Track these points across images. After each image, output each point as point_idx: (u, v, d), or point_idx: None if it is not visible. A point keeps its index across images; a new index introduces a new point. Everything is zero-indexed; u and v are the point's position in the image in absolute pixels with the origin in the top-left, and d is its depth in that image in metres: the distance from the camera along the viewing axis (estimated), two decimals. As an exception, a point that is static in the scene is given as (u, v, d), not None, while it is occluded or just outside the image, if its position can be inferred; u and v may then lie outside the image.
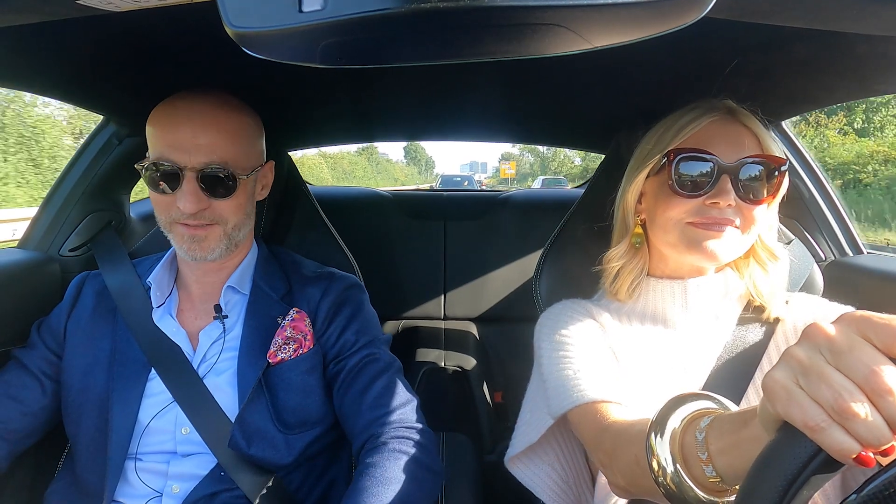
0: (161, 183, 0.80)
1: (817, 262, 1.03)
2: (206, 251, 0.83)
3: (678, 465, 0.49)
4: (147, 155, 0.82)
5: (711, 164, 0.71)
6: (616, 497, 0.74)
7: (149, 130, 0.82)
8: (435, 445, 0.88)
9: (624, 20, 0.34)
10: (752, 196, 0.71)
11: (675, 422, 0.51)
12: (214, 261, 0.86)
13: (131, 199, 1.25)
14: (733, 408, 0.51)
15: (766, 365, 0.76)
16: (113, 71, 0.85)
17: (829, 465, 0.34)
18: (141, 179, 0.89)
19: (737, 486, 0.46)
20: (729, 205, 0.70)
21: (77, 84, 0.90)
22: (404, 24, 0.33)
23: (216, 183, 0.80)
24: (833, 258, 1.10)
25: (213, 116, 0.81)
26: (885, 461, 0.33)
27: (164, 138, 0.79)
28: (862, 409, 0.32)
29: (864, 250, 1.10)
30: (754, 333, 0.78)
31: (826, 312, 0.78)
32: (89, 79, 0.88)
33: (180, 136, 0.78)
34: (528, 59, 0.39)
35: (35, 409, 0.86)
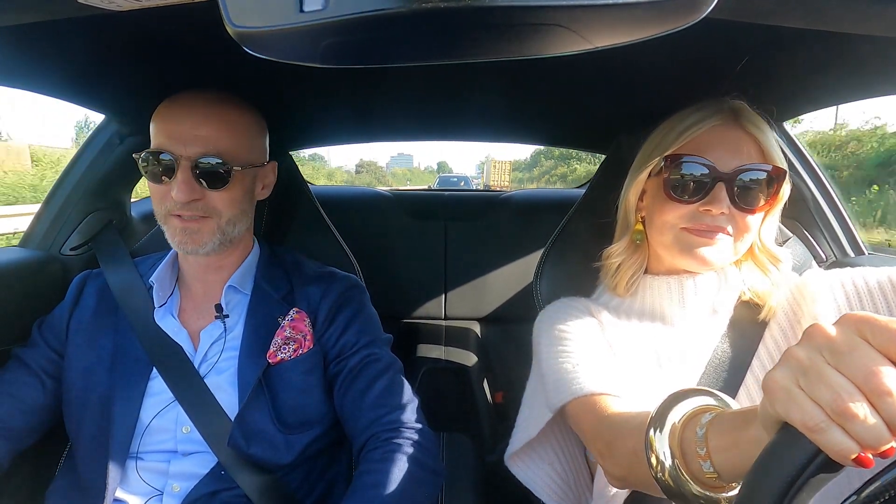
0: (157, 172, 0.81)
1: (818, 263, 1.03)
2: (198, 244, 0.83)
3: (676, 461, 0.49)
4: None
5: (707, 170, 0.71)
6: (614, 495, 0.74)
7: (151, 127, 0.83)
8: (435, 446, 0.88)
9: (625, 20, 0.34)
10: (747, 204, 0.71)
11: (674, 417, 0.51)
12: (208, 255, 0.85)
13: (132, 199, 1.25)
14: (734, 405, 0.52)
15: (762, 354, 0.76)
16: (114, 70, 0.85)
17: (829, 466, 0.33)
18: (142, 179, 0.89)
19: (733, 483, 0.46)
20: (722, 212, 0.70)
21: (79, 83, 0.90)
22: (405, 24, 0.33)
23: (210, 173, 0.80)
24: (834, 259, 1.10)
25: (214, 110, 0.82)
26: (884, 462, 0.33)
27: (164, 130, 0.80)
28: (861, 409, 0.32)
29: (866, 251, 1.10)
30: (750, 328, 0.78)
31: (820, 294, 0.73)
32: (91, 78, 0.88)
33: (180, 128, 0.80)
34: (529, 60, 0.39)
35: (35, 406, 0.86)
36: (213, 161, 0.80)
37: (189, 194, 0.79)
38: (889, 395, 0.31)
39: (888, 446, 0.32)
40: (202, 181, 0.80)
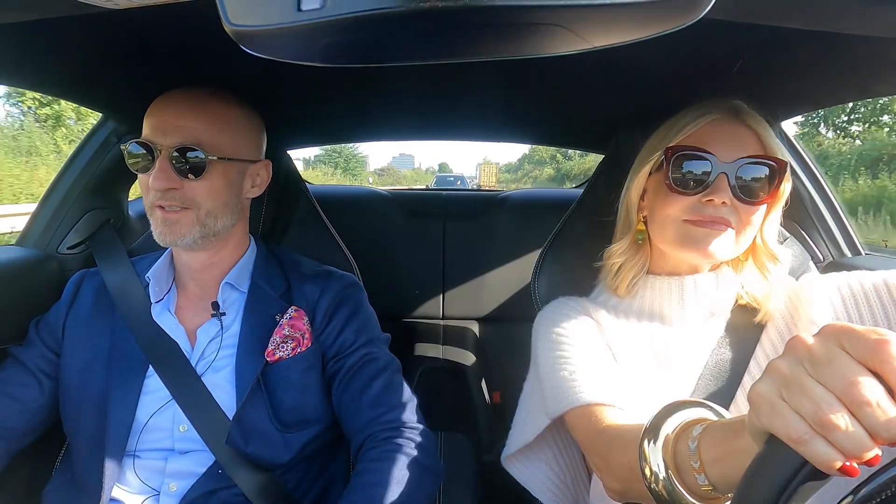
0: (141, 163, 0.81)
1: (815, 263, 1.03)
2: (177, 236, 0.82)
3: (670, 473, 0.49)
4: None
5: (708, 162, 0.71)
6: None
7: (143, 122, 0.83)
8: (433, 445, 0.88)
9: (623, 20, 0.34)
10: (749, 196, 0.71)
11: (668, 428, 0.51)
12: (189, 248, 0.85)
13: (130, 198, 1.25)
14: (727, 416, 0.52)
15: (760, 357, 0.76)
16: (112, 69, 0.85)
17: (816, 475, 0.34)
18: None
19: (729, 495, 0.46)
20: (724, 203, 0.70)
21: (76, 82, 0.90)
22: (403, 23, 0.33)
23: (187, 162, 0.80)
24: (831, 259, 1.10)
25: (200, 102, 0.82)
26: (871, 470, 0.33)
27: (149, 122, 0.81)
28: (842, 420, 0.32)
29: (863, 251, 1.10)
30: (747, 331, 0.79)
31: (815, 295, 0.74)
32: (88, 76, 0.88)
33: (163, 118, 0.80)
34: (527, 59, 0.39)
35: (33, 407, 0.86)
36: (191, 151, 0.80)
37: (165, 182, 0.78)
38: (868, 406, 0.32)
39: (872, 455, 0.33)
40: (180, 170, 0.80)
